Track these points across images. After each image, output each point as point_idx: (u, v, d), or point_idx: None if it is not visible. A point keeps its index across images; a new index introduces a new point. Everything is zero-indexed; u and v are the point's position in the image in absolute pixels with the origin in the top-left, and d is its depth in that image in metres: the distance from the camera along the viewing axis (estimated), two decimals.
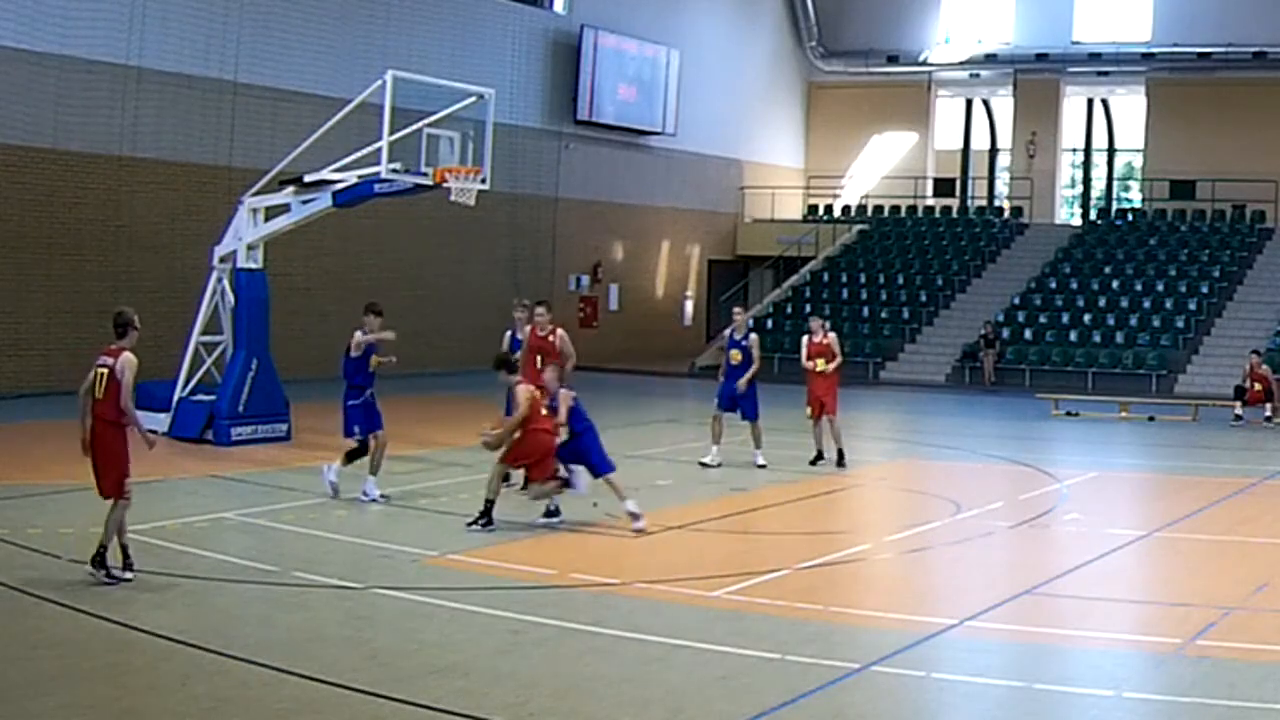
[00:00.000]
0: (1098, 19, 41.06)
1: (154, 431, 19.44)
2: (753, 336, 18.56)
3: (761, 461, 18.16)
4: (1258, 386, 26.57)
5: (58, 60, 24.53)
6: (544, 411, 13.64)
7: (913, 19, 43.30)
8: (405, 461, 17.83)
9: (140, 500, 14.30)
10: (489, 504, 13.42)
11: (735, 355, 18.38)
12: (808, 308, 37.54)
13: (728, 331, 18.93)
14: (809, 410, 18.73)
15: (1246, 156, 37.98)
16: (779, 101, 44.51)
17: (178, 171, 26.70)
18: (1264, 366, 27.07)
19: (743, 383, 18.12)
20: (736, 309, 19.23)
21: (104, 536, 10.73)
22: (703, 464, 18.13)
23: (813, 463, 18.48)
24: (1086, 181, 43.88)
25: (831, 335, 18.98)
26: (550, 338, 16.11)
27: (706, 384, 23.66)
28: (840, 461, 18.42)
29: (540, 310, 16.39)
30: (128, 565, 10.78)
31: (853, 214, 43.28)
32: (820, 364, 18.54)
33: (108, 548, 10.70)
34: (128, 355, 10.88)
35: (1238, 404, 26.34)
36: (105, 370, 10.86)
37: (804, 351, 18.89)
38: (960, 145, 44.51)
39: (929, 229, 41.41)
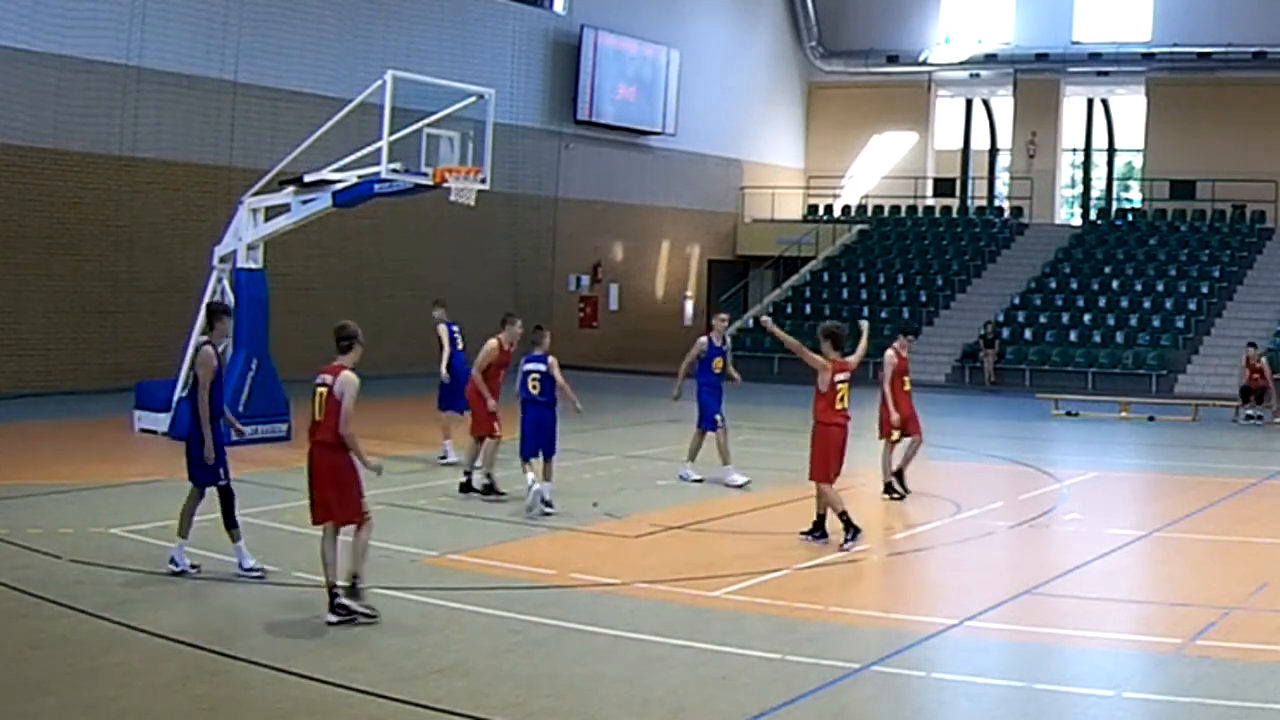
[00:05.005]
0: (1098, 19, 41.05)
1: (153, 432, 19.75)
2: (551, 359, 14.43)
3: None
4: (1255, 376, 26.42)
5: (58, 60, 24.52)
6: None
7: (913, 19, 43.29)
8: (405, 461, 17.83)
9: (141, 500, 14.40)
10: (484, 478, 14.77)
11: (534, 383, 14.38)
12: (808, 308, 37.59)
13: (527, 362, 14.37)
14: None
15: (1246, 156, 37.97)
16: (779, 101, 44.49)
17: (178, 171, 26.70)
18: (1262, 360, 26.90)
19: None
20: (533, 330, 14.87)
21: (354, 564, 9.83)
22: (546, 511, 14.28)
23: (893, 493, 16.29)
24: (1086, 181, 43.87)
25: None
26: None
27: None
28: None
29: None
30: (355, 594, 9.81)
31: (853, 214, 43.25)
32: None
33: (360, 576, 9.86)
34: (347, 374, 9.86)
35: (1245, 404, 26.29)
36: (324, 389, 9.87)
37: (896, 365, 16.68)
38: (960, 145, 44.50)
39: (929, 229, 41.39)
